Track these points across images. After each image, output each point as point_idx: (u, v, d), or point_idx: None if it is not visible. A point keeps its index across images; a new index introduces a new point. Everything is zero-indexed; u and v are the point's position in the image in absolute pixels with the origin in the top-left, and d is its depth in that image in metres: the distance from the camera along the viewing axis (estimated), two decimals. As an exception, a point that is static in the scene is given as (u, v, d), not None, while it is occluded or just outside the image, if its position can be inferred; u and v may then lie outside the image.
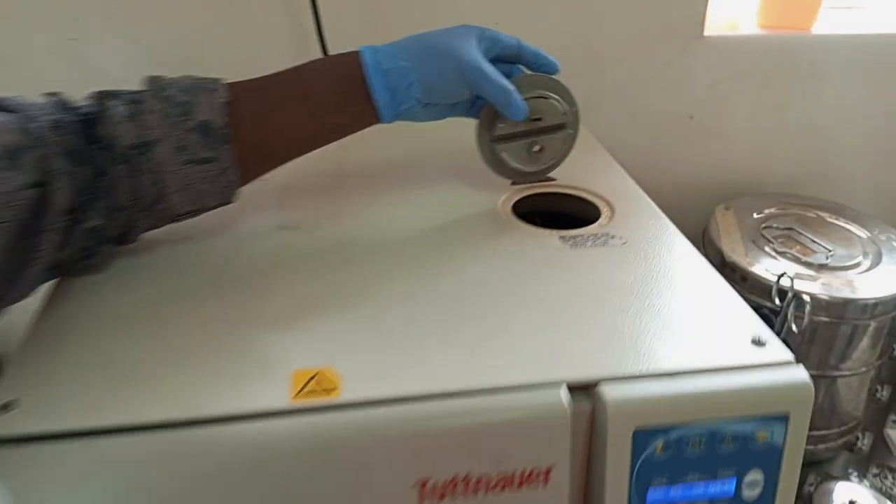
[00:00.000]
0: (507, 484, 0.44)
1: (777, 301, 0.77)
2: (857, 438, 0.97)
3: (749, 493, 0.48)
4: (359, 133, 0.61)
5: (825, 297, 0.81)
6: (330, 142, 0.61)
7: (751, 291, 0.82)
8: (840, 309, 0.82)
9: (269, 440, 0.41)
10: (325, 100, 0.58)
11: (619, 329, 0.49)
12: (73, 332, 0.48)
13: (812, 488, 0.88)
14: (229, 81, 0.55)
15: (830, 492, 0.86)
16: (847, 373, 0.87)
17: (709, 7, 0.91)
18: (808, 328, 0.83)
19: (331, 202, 0.67)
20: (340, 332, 0.48)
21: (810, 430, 0.89)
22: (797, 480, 0.49)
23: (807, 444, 0.89)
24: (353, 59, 0.58)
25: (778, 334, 0.51)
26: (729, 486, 0.47)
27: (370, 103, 0.58)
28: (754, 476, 0.47)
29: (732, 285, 0.55)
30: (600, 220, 0.65)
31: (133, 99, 0.51)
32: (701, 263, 0.58)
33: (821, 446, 0.92)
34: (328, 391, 0.43)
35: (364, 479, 0.42)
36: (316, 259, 0.58)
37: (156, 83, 0.53)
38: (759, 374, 0.46)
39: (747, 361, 0.47)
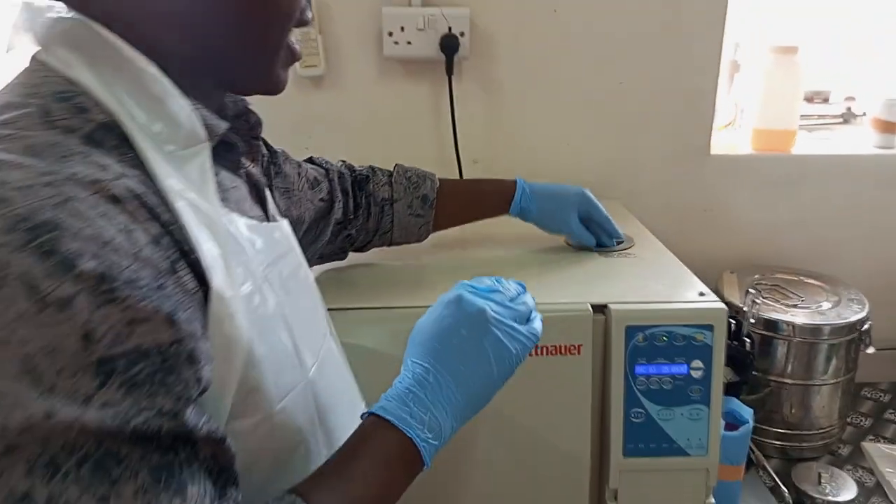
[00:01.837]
0: (561, 351, 0.84)
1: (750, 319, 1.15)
2: (839, 448, 1.28)
3: (695, 374, 0.86)
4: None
5: (795, 322, 1.18)
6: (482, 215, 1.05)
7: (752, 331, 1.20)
8: (805, 332, 1.18)
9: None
10: (487, 199, 1.03)
11: (625, 286, 0.91)
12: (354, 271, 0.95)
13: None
14: (440, 178, 1.01)
15: (804, 467, 1.18)
16: (819, 382, 1.22)
17: (713, 136, 1.36)
18: (788, 349, 1.20)
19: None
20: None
21: (794, 430, 1.22)
22: (722, 372, 0.86)
23: (792, 442, 1.21)
24: (510, 189, 1.01)
25: (748, 336, 0.97)
26: (683, 369, 0.86)
27: (507, 210, 1.02)
28: (696, 364, 0.86)
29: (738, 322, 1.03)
30: (623, 247, 1.07)
31: (389, 174, 0.99)
32: (682, 268, 0.99)
33: (805, 444, 1.25)
34: (468, 299, 0.87)
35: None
36: (458, 249, 1.03)
37: (400, 167, 1.00)
38: (698, 305, 0.87)
39: (692, 299, 0.87)
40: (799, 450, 1.25)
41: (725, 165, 1.38)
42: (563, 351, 0.85)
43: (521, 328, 0.63)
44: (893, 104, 1.41)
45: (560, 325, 0.84)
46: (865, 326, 1.22)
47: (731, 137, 1.43)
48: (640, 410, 0.86)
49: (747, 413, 1.03)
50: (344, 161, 0.99)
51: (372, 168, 0.99)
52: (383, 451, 0.54)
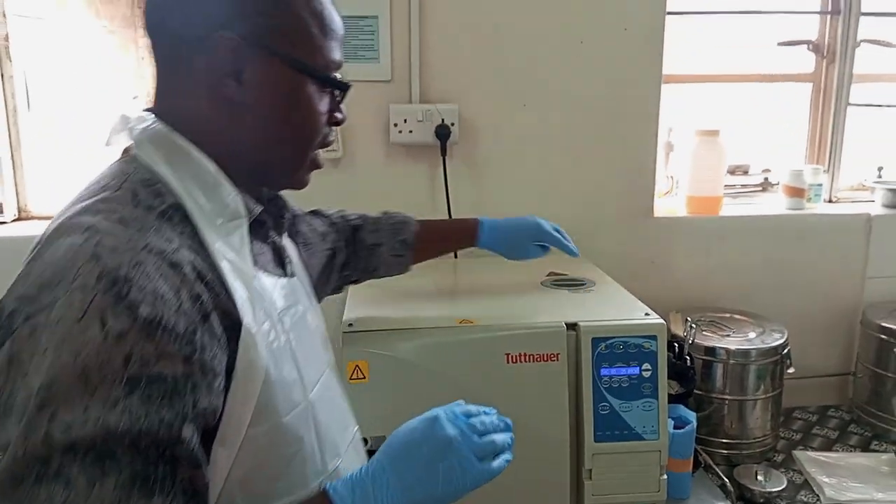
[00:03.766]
0: (542, 358, 1.11)
1: (689, 342, 1.42)
2: (774, 456, 1.54)
3: (645, 374, 1.13)
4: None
5: (729, 348, 1.46)
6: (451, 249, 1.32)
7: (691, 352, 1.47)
8: (737, 356, 1.46)
9: (456, 336, 1.10)
10: (456, 237, 1.28)
11: (590, 310, 1.19)
12: (383, 303, 1.21)
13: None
14: (419, 219, 1.22)
15: (744, 467, 1.43)
16: (752, 398, 1.48)
17: (655, 201, 1.67)
18: (725, 371, 1.47)
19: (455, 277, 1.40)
20: (468, 308, 1.19)
21: (735, 439, 1.47)
22: (666, 375, 1.13)
23: (734, 450, 1.46)
24: (474, 228, 1.23)
25: (689, 355, 1.23)
26: (635, 370, 1.12)
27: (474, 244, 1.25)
28: (646, 366, 1.13)
29: (675, 344, 1.29)
30: (586, 286, 1.35)
31: (377, 219, 1.19)
32: (631, 298, 1.27)
33: (745, 452, 1.50)
34: (471, 322, 1.13)
35: (484, 352, 1.10)
36: (460, 289, 1.30)
37: (386, 214, 1.20)
38: (644, 321, 1.14)
39: (639, 317, 1.15)
40: (740, 457, 1.50)
41: (666, 225, 1.69)
42: (544, 358, 1.11)
43: (478, 464, 0.71)
44: (798, 174, 1.74)
45: (542, 339, 1.11)
46: (786, 350, 1.50)
47: (670, 203, 1.75)
48: (605, 404, 1.12)
49: (691, 416, 1.29)
50: (341, 210, 1.19)
51: (363, 217, 1.19)
52: None
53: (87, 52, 1.58)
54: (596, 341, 1.12)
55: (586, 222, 1.64)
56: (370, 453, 1.07)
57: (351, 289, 1.30)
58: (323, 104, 0.75)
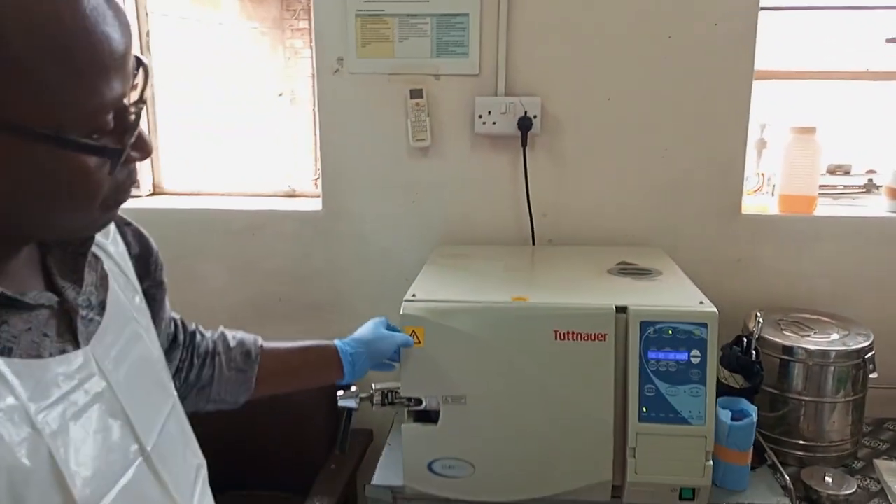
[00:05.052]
0: (590, 337, 1.16)
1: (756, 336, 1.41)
2: (853, 463, 1.49)
3: (694, 360, 1.15)
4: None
5: (808, 348, 1.43)
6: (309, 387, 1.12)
7: (758, 346, 1.45)
8: (816, 356, 1.43)
9: (508, 311, 1.18)
10: (315, 367, 1.10)
11: (644, 295, 1.22)
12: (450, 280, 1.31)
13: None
14: (264, 344, 1.03)
15: (814, 469, 1.41)
16: (830, 400, 1.45)
17: (743, 198, 1.65)
18: (803, 371, 1.45)
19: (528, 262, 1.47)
20: (527, 288, 1.26)
21: (811, 442, 1.45)
22: (715, 363, 1.15)
23: (807, 452, 1.44)
24: (335, 357, 1.08)
25: (755, 349, 1.25)
26: (684, 356, 1.15)
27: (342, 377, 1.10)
28: (695, 353, 1.15)
29: (743, 338, 1.31)
30: (651, 275, 1.38)
31: (218, 334, 1.01)
32: (692, 287, 1.29)
33: (819, 455, 1.47)
34: (523, 299, 1.20)
35: (534, 328, 1.17)
36: (530, 272, 1.37)
37: (225, 330, 1.02)
38: (697, 308, 1.17)
39: (693, 304, 1.18)
40: (815, 459, 1.47)
41: (755, 223, 1.67)
42: (592, 338, 1.16)
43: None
44: (904, 175, 1.67)
45: (591, 319, 1.16)
46: (869, 354, 1.45)
47: (762, 200, 1.72)
48: (651, 386, 1.16)
49: (752, 409, 1.29)
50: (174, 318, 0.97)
51: (196, 326, 1.00)
52: None
53: (233, 49, 1.78)
54: (645, 325, 1.16)
55: (670, 217, 1.66)
56: (425, 413, 1.18)
57: (424, 267, 1.41)
58: (95, 160, 0.57)
